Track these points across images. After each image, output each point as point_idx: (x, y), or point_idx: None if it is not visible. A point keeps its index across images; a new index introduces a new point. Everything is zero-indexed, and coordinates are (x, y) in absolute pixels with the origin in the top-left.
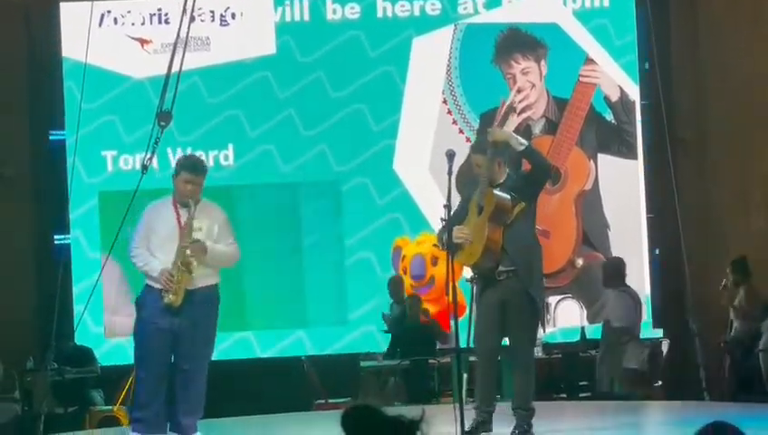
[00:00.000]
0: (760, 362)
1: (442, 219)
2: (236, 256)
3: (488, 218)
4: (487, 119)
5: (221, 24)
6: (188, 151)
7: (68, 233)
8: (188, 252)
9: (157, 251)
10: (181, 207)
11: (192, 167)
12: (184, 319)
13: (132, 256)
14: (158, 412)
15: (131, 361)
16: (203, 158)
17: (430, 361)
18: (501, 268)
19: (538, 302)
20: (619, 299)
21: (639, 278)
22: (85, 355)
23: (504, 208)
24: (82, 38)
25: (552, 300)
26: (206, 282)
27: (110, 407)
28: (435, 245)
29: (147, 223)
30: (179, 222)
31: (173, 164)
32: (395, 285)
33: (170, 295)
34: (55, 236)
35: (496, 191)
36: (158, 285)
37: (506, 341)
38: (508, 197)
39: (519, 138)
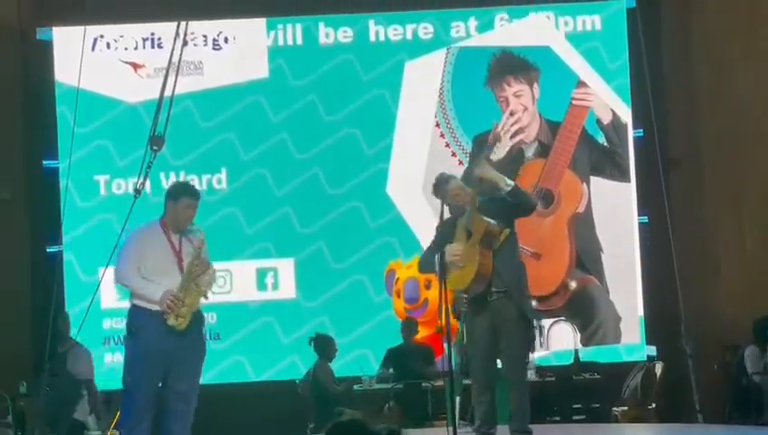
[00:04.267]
0: (755, 384)
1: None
2: (215, 277)
3: (479, 244)
4: (480, 142)
5: (214, 49)
6: (182, 175)
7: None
8: (206, 277)
9: (151, 276)
10: (173, 233)
11: (193, 192)
12: (184, 341)
13: (123, 279)
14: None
15: None
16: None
17: (423, 384)
18: (493, 289)
19: (531, 320)
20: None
21: (633, 299)
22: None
23: (493, 234)
24: (75, 63)
25: (546, 323)
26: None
27: (103, 431)
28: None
29: (137, 248)
30: (173, 247)
31: (167, 187)
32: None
33: (175, 318)
34: (48, 249)
35: (485, 217)
36: (156, 308)
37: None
38: (495, 222)
39: (506, 178)
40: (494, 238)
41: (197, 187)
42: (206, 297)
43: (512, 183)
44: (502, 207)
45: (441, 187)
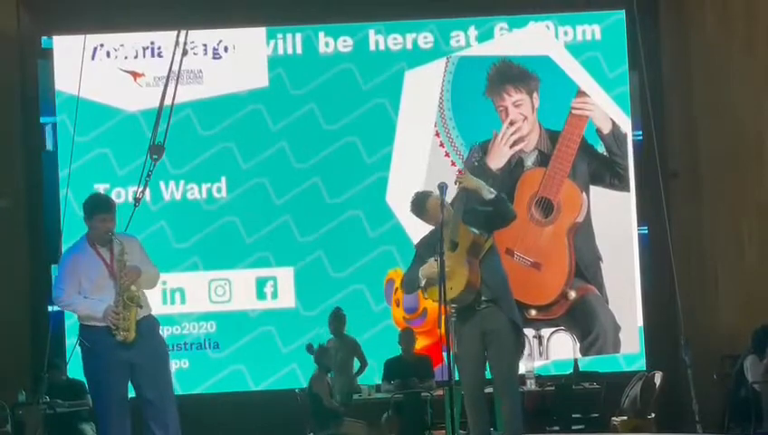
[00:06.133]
0: (755, 394)
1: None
2: (158, 276)
3: (466, 254)
4: (476, 151)
5: (214, 58)
6: (182, 184)
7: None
8: (133, 287)
9: (91, 294)
10: (100, 247)
11: (106, 206)
12: (138, 350)
13: (67, 305)
14: None
15: None
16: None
17: (423, 394)
18: (482, 298)
19: (521, 327)
20: None
21: (632, 309)
22: (77, 388)
23: (479, 243)
24: (75, 71)
25: (545, 332)
26: (145, 313)
27: None
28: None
29: (71, 271)
30: (104, 261)
31: (85, 204)
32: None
33: (122, 332)
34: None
35: (469, 228)
36: (102, 324)
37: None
38: (479, 232)
39: (489, 187)
40: (480, 248)
41: (198, 196)
42: (140, 307)
43: (494, 192)
44: (484, 219)
45: (420, 205)
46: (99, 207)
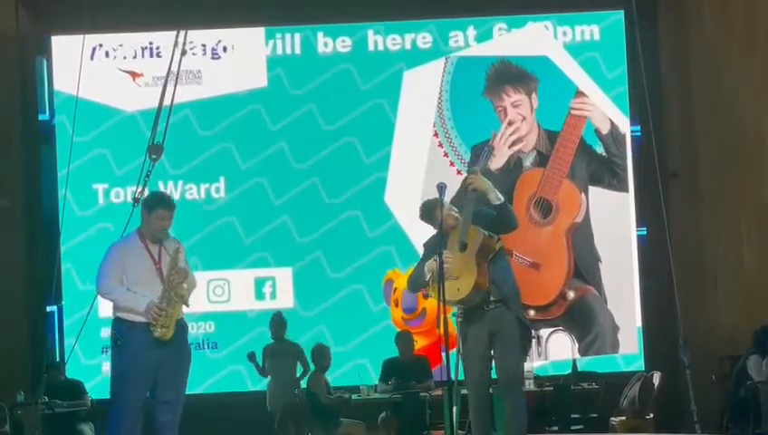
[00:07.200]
0: (754, 394)
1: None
2: (196, 283)
3: (476, 255)
4: (478, 151)
5: (212, 58)
6: (180, 184)
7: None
8: (185, 285)
9: (134, 287)
10: (151, 243)
11: (168, 203)
12: (170, 349)
13: (107, 294)
14: None
15: None
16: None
17: (422, 394)
18: (491, 299)
19: (529, 327)
20: None
21: (631, 310)
22: (76, 389)
23: (490, 244)
24: (74, 71)
25: (544, 332)
26: (180, 314)
27: None
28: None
29: (118, 261)
30: (152, 257)
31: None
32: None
33: (161, 329)
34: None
35: (480, 229)
36: (140, 319)
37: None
38: (488, 233)
39: (497, 192)
40: (489, 249)
41: (197, 196)
42: (187, 305)
43: (502, 198)
44: (486, 223)
45: (431, 213)
46: (161, 203)
